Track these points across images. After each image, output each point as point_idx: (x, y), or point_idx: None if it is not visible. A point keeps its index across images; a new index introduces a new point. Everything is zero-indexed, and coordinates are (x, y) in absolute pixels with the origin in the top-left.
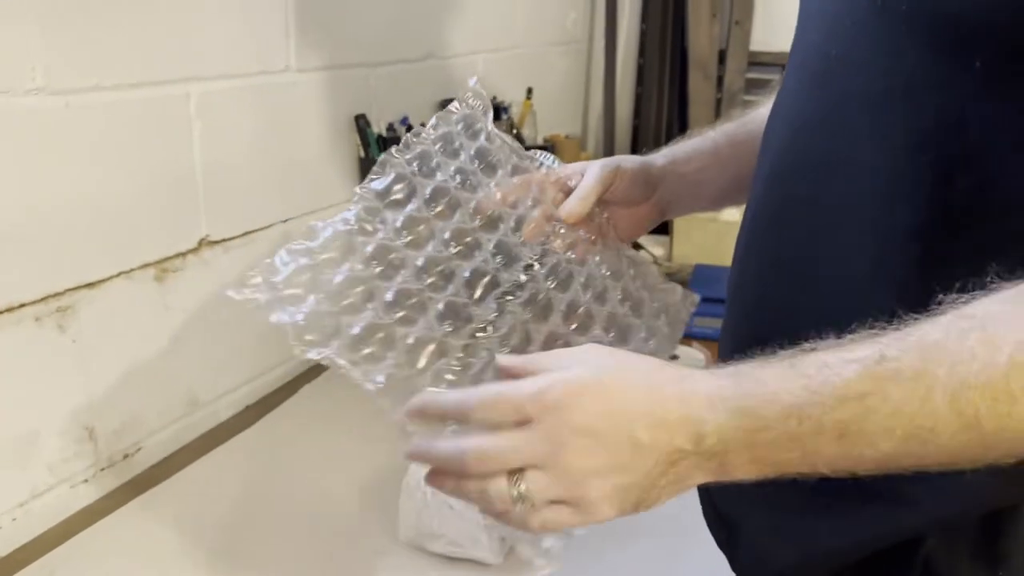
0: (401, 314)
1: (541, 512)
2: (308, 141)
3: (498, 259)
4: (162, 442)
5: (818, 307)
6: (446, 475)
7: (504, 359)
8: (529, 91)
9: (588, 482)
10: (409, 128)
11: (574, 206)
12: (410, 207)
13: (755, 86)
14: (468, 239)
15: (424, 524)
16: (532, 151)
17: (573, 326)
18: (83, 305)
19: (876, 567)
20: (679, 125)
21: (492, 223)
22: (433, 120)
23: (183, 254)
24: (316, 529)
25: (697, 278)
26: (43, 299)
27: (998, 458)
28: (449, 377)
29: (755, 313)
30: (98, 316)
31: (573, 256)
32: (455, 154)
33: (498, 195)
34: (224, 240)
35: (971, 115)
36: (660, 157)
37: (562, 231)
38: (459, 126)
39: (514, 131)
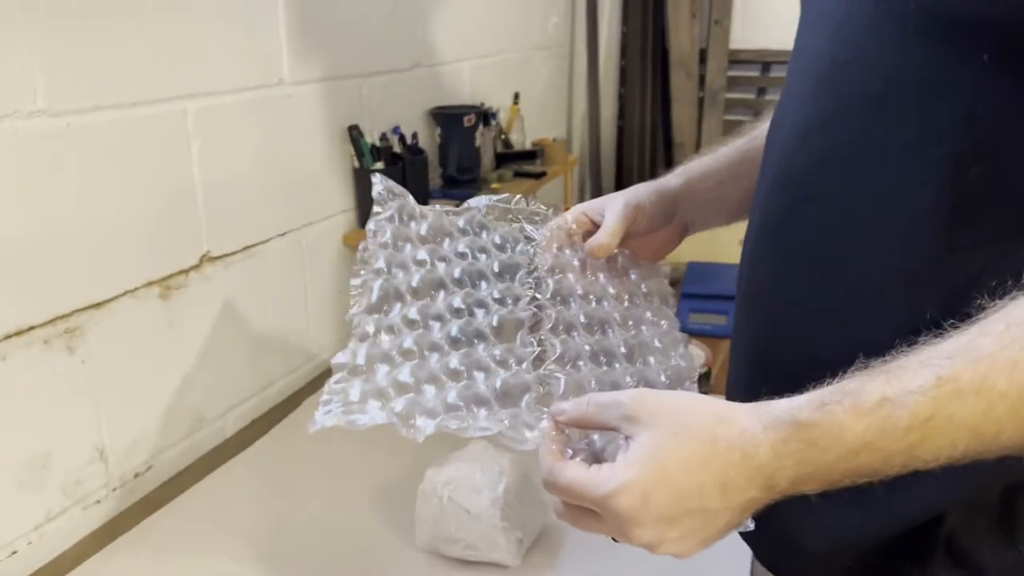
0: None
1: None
2: (303, 153)
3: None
4: (171, 459)
5: (835, 301)
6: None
7: (560, 408)
8: (516, 96)
9: (666, 546)
10: (401, 138)
11: (603, 240)
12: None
13: (736, 84)
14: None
15: (441, 529)
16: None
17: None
18: (90, 326)
19: (900, 546)
20: (663, 125)
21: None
22: (371, 225)
23: (185, 271)
24: (332, 539)
25: (691, 275)
26: (51, 321)
27: None
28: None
29: (770, 311)
30: (105, 336)
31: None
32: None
33: (544, 250)
34: (225, 255)
35: (981, 108)
36: (675, 178)
37: (578, 265)
38: (394, 220)
39: (503, 136)
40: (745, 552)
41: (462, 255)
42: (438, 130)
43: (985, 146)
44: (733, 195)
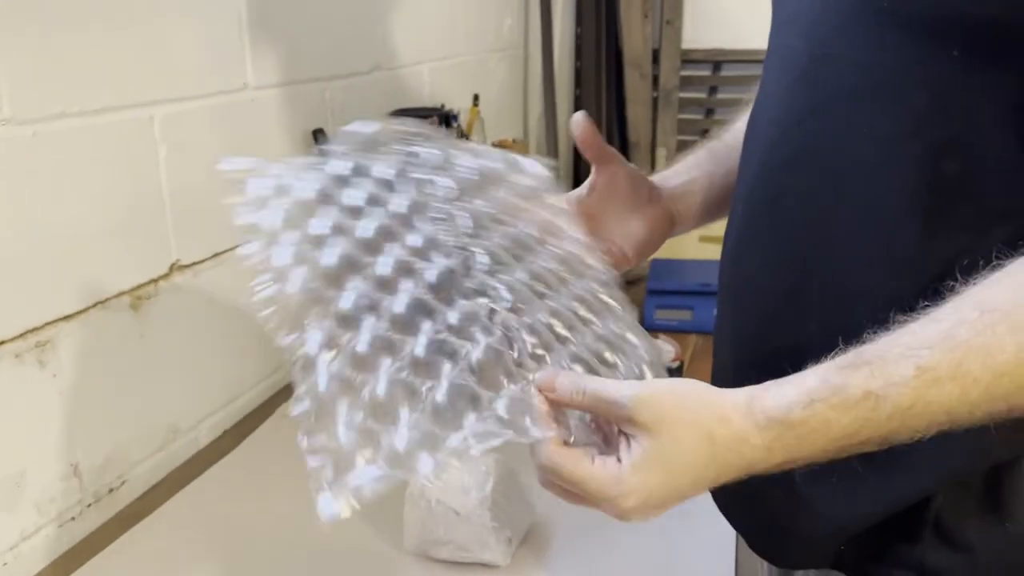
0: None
1: None
2: (269, 157)
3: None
4: (145, 473)
5: (821, 292)
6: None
7: (550, 383)
8: (476, 98)
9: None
10: None
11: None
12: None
13: (689, 83)
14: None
15: (430, 532)
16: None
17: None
18: (61, 338)
19: (890, 527)
20: (619, 124)
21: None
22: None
23: (155, 280)
24: (318, 547)
25: (655, 272)
26: (22, 335)
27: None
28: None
29: (757, 304)
30: (76, 349)
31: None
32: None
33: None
34: (195, 263)
35: (954, 101)
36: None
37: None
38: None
39: (464, 138)
40: (729, 539)
41: (356, 211)
42: None
43: (960, 137)
44: (704, 191)
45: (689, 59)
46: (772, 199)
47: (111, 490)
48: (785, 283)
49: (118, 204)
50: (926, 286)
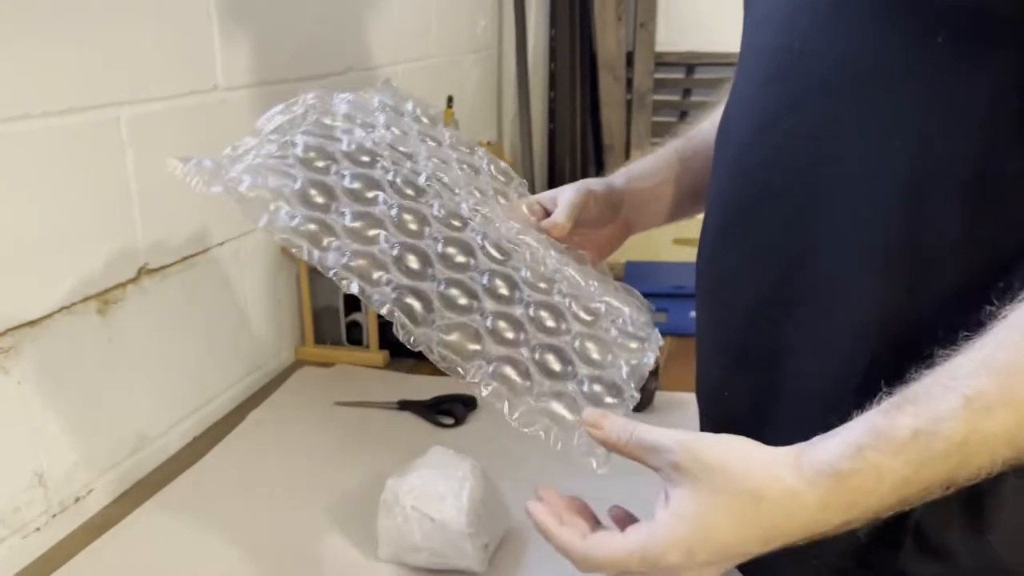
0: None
1: None
2: None
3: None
4: (113, 481)
5: (806, 290)
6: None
7: (598, 423)
8: (450, 99)
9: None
10: None
11: (559, 219)
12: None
13: (663, 86)
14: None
15: (405, 539)
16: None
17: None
18: (26, 344)
19: (872, 537)
20: (593, 127)
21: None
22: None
23: (123, 284)
24: (291, 557)
25: (629, 274)
26: None
27: None
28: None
29: (740, 304)
30: (42, 355)
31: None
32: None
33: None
34: (163, 267)
35: (939, 91)
36: (619, 177)
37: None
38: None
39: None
40: None
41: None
42: None
43: (945, 130)
44: (672, 194)
45: (663, 62)
46: (749, 199)
47: (78, 499)
48: (767, 282)
49: (84, 207)
50: (914, 284)
